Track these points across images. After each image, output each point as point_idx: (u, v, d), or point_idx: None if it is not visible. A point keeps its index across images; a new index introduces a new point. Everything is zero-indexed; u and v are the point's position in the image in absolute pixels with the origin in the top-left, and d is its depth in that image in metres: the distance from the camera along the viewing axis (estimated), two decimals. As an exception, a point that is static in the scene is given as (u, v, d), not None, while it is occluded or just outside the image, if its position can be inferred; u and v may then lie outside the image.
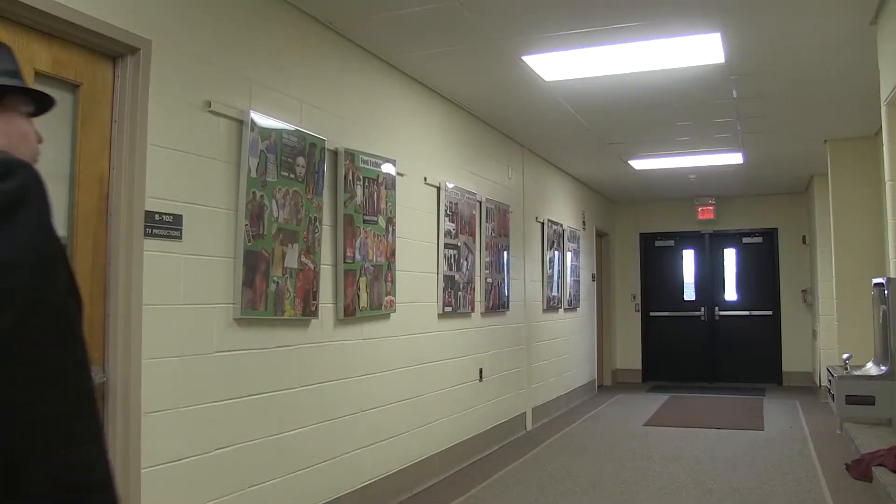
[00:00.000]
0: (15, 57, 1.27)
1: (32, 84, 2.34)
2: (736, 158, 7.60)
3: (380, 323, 4.33)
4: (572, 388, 8.35)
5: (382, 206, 4.33)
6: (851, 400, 5.26)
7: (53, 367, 0.97)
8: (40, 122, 1.30)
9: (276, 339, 3.44)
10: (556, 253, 7.87)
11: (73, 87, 2.55)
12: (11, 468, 0.93)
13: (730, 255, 10.69)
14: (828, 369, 6.31)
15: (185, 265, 2.92)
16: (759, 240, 10.49)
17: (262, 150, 3.30)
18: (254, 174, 3.25)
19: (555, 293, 7.78)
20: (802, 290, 9.91)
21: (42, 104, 1.29)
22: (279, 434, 3.41)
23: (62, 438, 0.97)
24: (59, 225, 2.46)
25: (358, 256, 4.07)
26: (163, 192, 2.82)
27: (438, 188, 5.14)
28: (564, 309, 8.13)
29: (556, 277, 7.83)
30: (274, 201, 3.36)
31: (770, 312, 10.32)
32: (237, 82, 3.26)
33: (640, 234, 11.00)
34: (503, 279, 6.28)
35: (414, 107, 4.91)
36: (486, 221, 5.92)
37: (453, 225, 5.31)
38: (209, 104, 3.06)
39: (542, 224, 7.48)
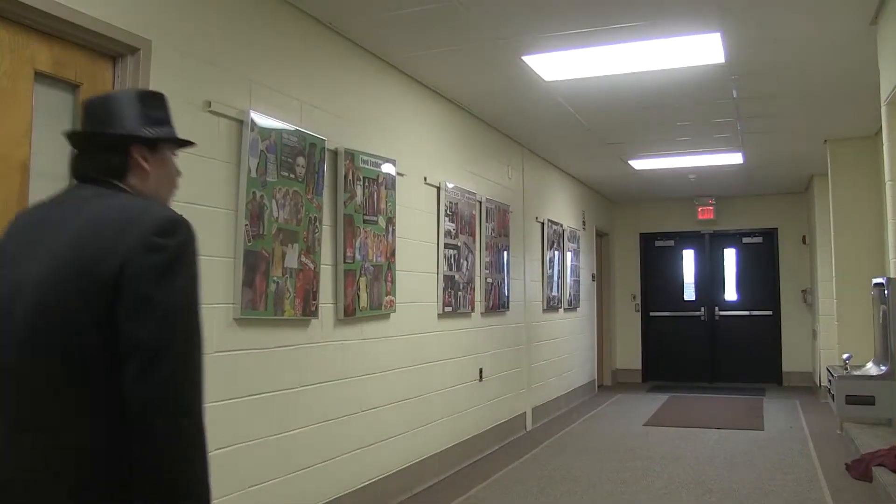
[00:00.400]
0: (167, 104, 1.46)
1: (32, 83, 2.35)
2: (736, 158, 7.60)
3: (380, 323, 4.34)
4: (572, 388, 8.36)
5: (382, 206, 4.33)
6: (851, 400, 5.26)
7: (199, 384, 1.28)
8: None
9: (276, 339, 3.44)
10: (556, 253, 7.87)
11: (73, 87, 2.55)
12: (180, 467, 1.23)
13: (730, 255, 10.69)
14: (828, 369, 6.31)
15: (185, 265, 2.91)
16: (759, 240, 10.49)
17: (262, 150, 3.30)
18: (254, 174, 3.25)
19: (555, 293, 7.78)
20: (802, 290, 9.91)
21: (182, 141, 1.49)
22: (279, 434, 3.42)
23: (201, 435, 1.27)
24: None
25: (358, 256, 4.07)
26: (163, 192, 2.81)
27: (438, 188, 5.14)
28: (564, 309, 8.13)
29: (556, 277, 7.83)
30: (274, 201, 3.36)
31: (770, 312, 10.31)
32: (237, 82, 3.26)
33: (640, 234, 11.00)
34: (503, 279, 6.27)
35: (414, 107, 4.91)
36: (486, 221, 5.92)
37: (453, 225, 5.31)
38: (209, 104, 3.06)
39: (542, 224, 7.48)
